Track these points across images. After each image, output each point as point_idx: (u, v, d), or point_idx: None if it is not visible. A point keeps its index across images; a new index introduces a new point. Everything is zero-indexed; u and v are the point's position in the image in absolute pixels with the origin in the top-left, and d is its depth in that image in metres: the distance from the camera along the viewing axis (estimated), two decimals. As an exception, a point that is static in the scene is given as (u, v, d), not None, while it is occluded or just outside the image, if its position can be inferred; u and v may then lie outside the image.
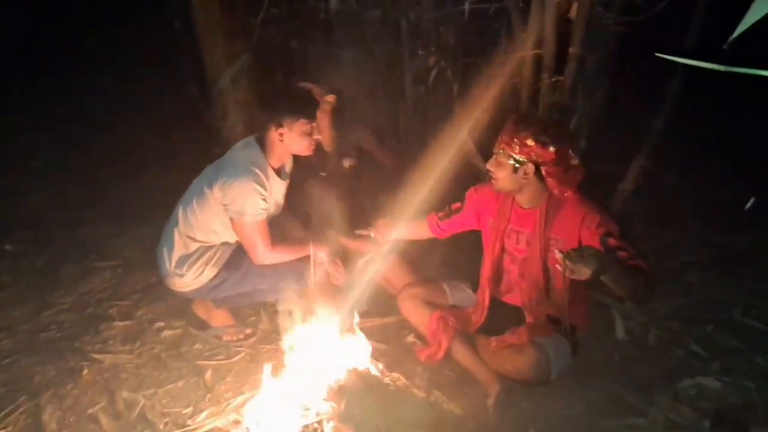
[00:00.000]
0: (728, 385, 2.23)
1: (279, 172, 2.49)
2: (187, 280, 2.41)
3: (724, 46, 0.74)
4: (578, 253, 1.83)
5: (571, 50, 2.97)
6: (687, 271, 3.01)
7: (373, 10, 3.83)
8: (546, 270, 2.21)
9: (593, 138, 3.63)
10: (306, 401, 1.87)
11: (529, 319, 2.26)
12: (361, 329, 2.50)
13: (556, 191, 2.11)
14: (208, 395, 2.22)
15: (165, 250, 2.43)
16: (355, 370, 2.03)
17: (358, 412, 1.83)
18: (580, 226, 2.09)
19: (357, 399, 1.88)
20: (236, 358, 2.43)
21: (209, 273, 2.42)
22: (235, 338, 2.57)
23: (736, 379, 2.25)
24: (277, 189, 2.49)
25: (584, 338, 2.35)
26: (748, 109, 4.29)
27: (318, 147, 2.84)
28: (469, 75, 3.93)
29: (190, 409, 2.16)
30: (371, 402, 1.89)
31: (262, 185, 2.34)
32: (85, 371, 2.36)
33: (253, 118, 3.71)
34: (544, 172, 2.07)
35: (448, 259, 3.02)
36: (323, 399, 1.87)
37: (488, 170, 2.21)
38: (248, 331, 2.61)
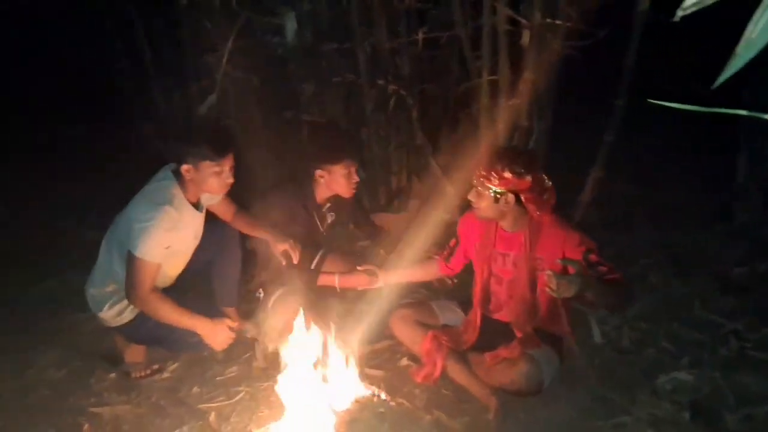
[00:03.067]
0: (699, 377, 2.43)
1: (197, 204, 2.53)
2: (109, 318, 2.50)
3: (711, 88, 0.85)
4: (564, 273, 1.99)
5: (526, 75, 3.17)
6: (647, 272, 3.24)
7: (330, 44, 3.94)
8: (533, 288, 2.36)
9: (553, 155, 3.86)
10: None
11: (518, 334, 2.40)
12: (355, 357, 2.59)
13: (535, 215, 2.27)
14: (216, 438, 2.26)
15: (89, 288, 2.52)
16: (358, 399, 2.11)
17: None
18: (563, 245, 2.26)
19: (367, 428, 1.96)
20: (237, 398, 2.46)
21: (129, 315, 2.49)
22: (143, 374, 2.62)
23: (705, 371, 2.46)
24: (193, 221, 2.52)
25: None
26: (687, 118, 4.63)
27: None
28: (427, 102, 4.11)
29: (200, 454, 2.19)
30: (382, 429, 1.98)
31: (171, 221, 2.34)
32: (86, 426, 2.34)
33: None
34: (523, 199, 2.23)
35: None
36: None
37: (470, 201, 2.35)
38: (155, 366, 2.66)
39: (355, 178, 2.93)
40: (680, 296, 3.02)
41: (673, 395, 2.35)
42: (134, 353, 2.65)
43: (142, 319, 2.48)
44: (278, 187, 3.08)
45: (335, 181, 2.90)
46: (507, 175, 2.19)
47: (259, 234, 2.78)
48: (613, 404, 2.33)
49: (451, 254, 2.65)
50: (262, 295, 2.92)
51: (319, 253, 2.98)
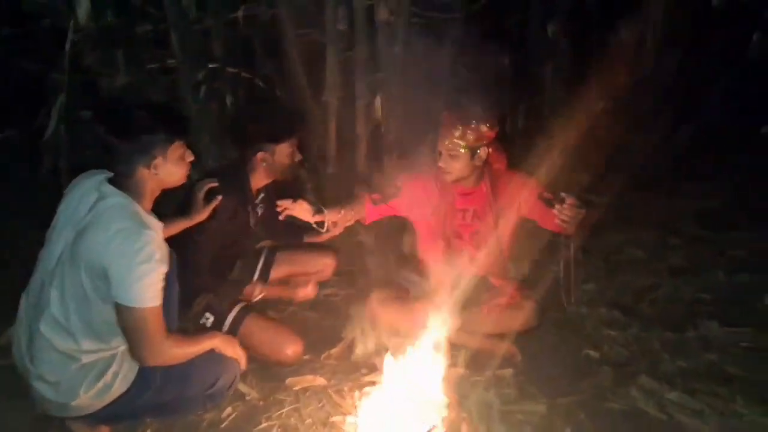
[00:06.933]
0: (600, 286, 3.06)
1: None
2: (85, 404, 1.85)
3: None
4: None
5: (397, 49, 3.31)
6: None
7: (144, 26, 3.40)
8: (497, 237, 2.60)
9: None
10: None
11: (496, 282, 2.63)
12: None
13: (497, 165, 2.50)
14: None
15: (46, 376, 1.82)
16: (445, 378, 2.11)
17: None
18: (521, 189, 2.49)
19: (482, 401, 2.02)
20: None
21: (121, 386, 1.88)
22: None
23: (600, 284, 3.08)
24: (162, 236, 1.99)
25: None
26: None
27: None
28: (244, 84, 3.85)
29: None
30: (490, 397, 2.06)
31: (159, 246, 1.79)
32: None
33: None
34: (490, 151, 2.42)
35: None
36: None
37: (441, 167, 2.43)
38: None
39: (299, 156, 2.58)
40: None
41: (599, 300, 2.91)
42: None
43: (141, 385, 1.87)
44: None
45: (279, 163, 2.52)
46: (483, 129, 2.33)
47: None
48: (581, 317, 2.77)
49: (384, 201, 2.64)
50: (210, 320, 2.47)
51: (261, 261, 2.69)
